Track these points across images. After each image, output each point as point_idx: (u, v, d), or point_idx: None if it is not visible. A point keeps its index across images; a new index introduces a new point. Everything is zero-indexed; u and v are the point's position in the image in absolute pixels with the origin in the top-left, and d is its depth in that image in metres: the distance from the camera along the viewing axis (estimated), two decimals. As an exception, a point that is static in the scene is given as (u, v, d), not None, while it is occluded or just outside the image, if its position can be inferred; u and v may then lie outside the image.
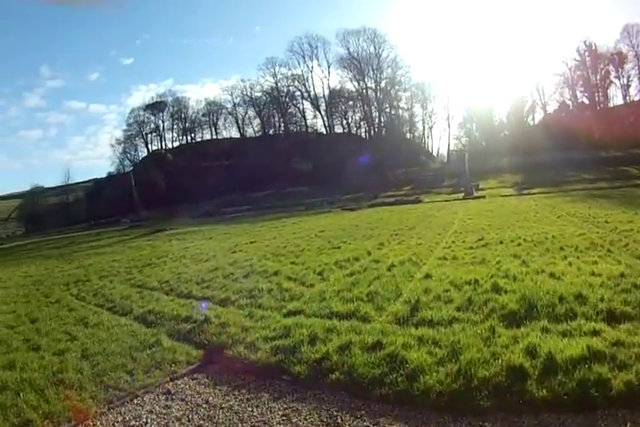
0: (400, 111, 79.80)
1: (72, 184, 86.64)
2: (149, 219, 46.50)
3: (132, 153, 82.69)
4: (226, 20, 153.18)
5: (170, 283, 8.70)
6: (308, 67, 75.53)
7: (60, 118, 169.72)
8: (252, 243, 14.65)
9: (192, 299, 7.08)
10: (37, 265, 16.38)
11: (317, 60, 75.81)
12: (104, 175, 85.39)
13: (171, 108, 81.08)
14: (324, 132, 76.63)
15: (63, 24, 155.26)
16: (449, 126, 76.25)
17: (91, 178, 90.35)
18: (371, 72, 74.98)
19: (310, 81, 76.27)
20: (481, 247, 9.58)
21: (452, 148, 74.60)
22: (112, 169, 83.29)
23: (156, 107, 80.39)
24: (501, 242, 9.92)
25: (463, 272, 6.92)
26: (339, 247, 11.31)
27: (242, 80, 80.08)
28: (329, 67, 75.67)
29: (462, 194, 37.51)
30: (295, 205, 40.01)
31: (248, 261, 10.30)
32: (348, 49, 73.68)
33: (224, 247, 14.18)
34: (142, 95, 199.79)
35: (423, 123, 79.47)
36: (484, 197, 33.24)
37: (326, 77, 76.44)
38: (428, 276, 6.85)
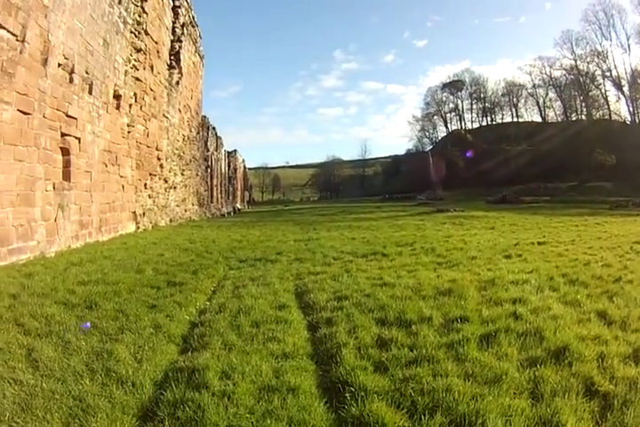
0: None
1: (370, 159, 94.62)
2: (445, 198, 44.47)
3: (430, 131, 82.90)
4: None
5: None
6: (605, 38, 60.99)
7: (358, 98, 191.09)
8: (539, 244, 9.87)
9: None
10: (269, 230, 15.19)
11: (615, 31, 60.82)
12: (402, 152, 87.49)
13: (469, 88, 78.80)
14: (628, 121, 60.93)
15: (354, 10, 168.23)
16: None
17: (389, 154, 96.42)
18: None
19: (611, 57, 61.56)
20: None
21: None
22: (410, 146, 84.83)
23: (453, 86, 78.77)
24: None
25: None
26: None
27: (539, 58, 72.42)
28: (628, 39, 59.38)
29: None
30: (597, 202, 31.89)
31: (518, 285, 5.42)
32: (644, 15, 53.49)
33: (498, 245, 9.73)
34: (439, 76, 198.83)
35: None
36: None
37: (626, 52, 60.32)
38: None
